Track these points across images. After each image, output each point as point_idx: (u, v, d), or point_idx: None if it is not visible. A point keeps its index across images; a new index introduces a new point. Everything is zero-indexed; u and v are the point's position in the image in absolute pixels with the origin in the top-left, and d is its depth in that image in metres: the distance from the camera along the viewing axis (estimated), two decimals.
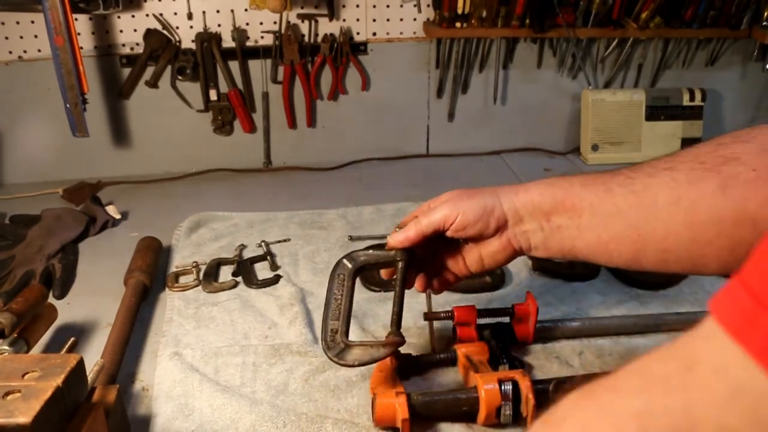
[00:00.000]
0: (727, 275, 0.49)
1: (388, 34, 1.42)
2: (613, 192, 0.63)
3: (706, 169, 0.60)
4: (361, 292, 0.94)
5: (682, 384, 0.31)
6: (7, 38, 1.29)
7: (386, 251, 0.71)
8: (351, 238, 1.10)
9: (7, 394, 0.50)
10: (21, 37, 1.29)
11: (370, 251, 0.73)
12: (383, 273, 0.76)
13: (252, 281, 0.97)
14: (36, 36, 1.29)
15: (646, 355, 0.34)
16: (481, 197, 0.68)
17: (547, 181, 0.68)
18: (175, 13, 1.32)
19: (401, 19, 1.41)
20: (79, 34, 1.23)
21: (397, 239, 0.70)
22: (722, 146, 0.61)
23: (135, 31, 1.32)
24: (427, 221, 0.68)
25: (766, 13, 1.45)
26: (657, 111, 1.49)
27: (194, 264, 1.01)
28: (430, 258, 0.74)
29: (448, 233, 0.69)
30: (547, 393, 0.69)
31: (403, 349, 0.77)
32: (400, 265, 0.70)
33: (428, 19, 1.41)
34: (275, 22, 1.35)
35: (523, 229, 0.68)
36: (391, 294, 0.91)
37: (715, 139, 0.63)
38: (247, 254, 1.06)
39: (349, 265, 0.71)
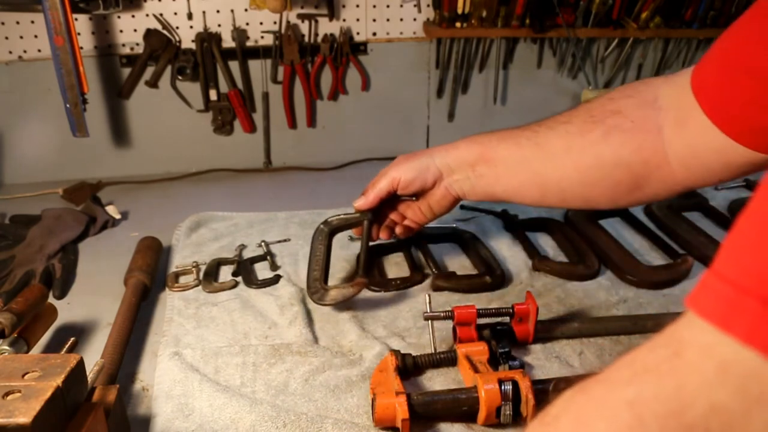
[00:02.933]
0: (614, 209, 0.86)
1: (388, 34, 1.42)
2: (521, 145, 0.78)
3: (595, 121, 0.73)
4: (361, 293, 0.94)
5: (671, 368, 0.32)
6: (7, 38, 1.29)
7: (354, 214, 0.93)
8: (351, 238, 1.10)
9: (7, 394, 0.50)
10: (21, 37, 1.29)
11: (342, 215, 0.95)
12: (354, 231, 0.97)
13: (252, 281, 0.97)
14: (36, 36, 1.29)
15: (634, 349, 0.35)
16: (418, 159, 0.86)
17: (471, 138, 0.84)
18: (175, 13, 1.32)
19: (401, 19, 1.41)
20: (79, 34, 1.23)
21: (359, 203, 0.91)
22: (611, 101, 0.74)
23: (135, 31, 1.32)
24: (379, 187, 0.89)
25: None
26: None
27: (194, 264, 1.01)
28: (393, 211, 0.94)
29: (398, 192, 0.89)
30: (547, 393, 0.69)
31: (403, 349, 0.77)
32: (365, 223, 0.92)
33: (428, 19, 1.41)
34: (275, 22, 1.35)
35: (455, 179, 0.85)
36: (392, 293, 0.94)
37: (607, 94, 0.76)
38: (247, 254, 1.06)
39: (326, 229, 0.94)
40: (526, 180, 0.79)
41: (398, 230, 0.95)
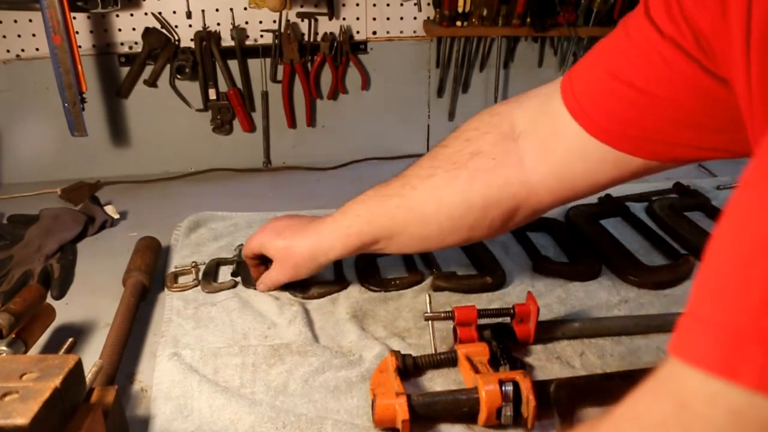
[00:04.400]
0: (494, 236, 0.80)
1: (388, 32, 1.42)
2: (395, 216, 0.78)
3: (458, 168, 0.73)
4: (361, 293, 0.94)
5: (680, 423, 0.30)
6: (4, 37, 1.28)
7: None
8: None
9: (4, 395, 0.50)
10: (19, 36, 1.29)
11: None
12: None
13: (251, 281, 0.97)
14: (34, 35, 1.29)
15: (632, 399, 0.33)
16: (305, 264, 0.87)
17: (346, 231, 0.82)
18: (174, 12, 1.31)
19: (401, 18, 1.41)
20: (77, 32, 1.22)
21: (263, 287, 0.93)
22: (468, 143, 0.74)
23: (134, 29, 1.31)
24: (273, 282, 0.92)
25: None
26: None
27: (193, 264, 1.00)
28: None
29: None
30: (548, 394, 0.69)
31: (403, 350, 0.77)
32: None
33: (428, 18, 1.41)
34: (275, 21, 1.34)
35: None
36: (391, 294, 0.94)
37: (464, 132, 0.77)
38: None
39: None
40: (408, 241, 0.80)
41: None
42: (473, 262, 1.01)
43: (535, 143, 0.69)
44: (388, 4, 1.39)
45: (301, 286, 0.93)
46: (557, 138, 0.67)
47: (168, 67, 1.34)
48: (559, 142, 0.67)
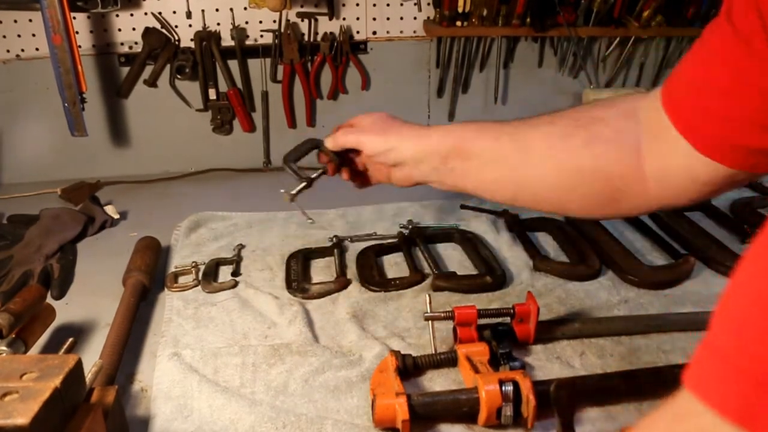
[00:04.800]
0: (586, 217, 0.82)
1: (388, 32, 1.42)
2: (501, 140, 0.75)
3: (578, 125, 0.71)
4: (361, 293, 0.94)
5: None
6: (5, 37, 1.28)
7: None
8: (351, 240, 1.10)
9: (5, 395, 0.50)
10: (19, 36, 1.29)
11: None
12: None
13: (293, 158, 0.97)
14: (34, 35, 1.29)
15: (645, 430, 0.33)
16: (388, 138, 0.82)
17: (447, 127, 0.80)
18: (174, 12, 1.31)
19: (401, 18, 1.41)
20: (77, 32, 1.22)
21: (329, 143, 0.92)
22: (594, 108, 0.73)
23: (134, 29, 1.31)
24: (344, 140, 0.88)
25: None
26: None
27: (193, 264, 1.00)
28: (358, 157, 0.92)
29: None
30: (548, 394, 0.68)
31: (403, 350, 0.77)
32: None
33: (428, 18, 1.41)
34: (275, 21, 1.34)
35: (420, 169, 0.80)
36: (391, 294, 0.94)
37: (593, 102, 0.75)
38: (246, 254, 1.06)
39: (300, 255, 1.04)
40: (501, 177, 0.75)
41: (358, 181, 0.95)
42: (473, 262, 1.01)
43: (650, 131, 0.68)
44: (388, 4, 1.39)
45: (303, 291, 0.93)
46: (666, 134, 0.66)
47: (168, 67, 1.34)
48: (667, 138, 0.65)
